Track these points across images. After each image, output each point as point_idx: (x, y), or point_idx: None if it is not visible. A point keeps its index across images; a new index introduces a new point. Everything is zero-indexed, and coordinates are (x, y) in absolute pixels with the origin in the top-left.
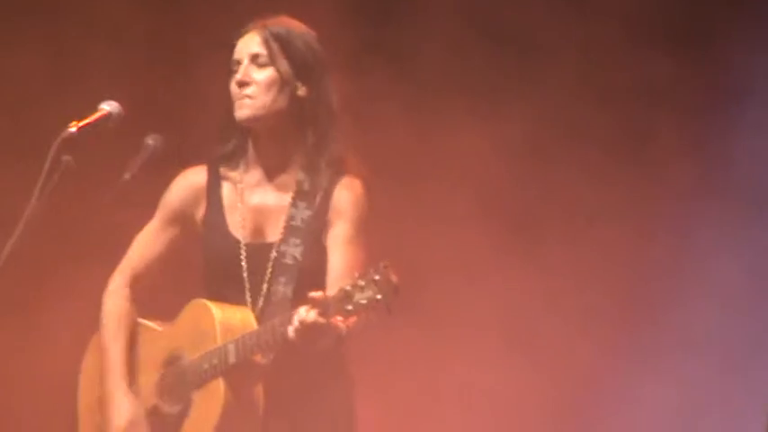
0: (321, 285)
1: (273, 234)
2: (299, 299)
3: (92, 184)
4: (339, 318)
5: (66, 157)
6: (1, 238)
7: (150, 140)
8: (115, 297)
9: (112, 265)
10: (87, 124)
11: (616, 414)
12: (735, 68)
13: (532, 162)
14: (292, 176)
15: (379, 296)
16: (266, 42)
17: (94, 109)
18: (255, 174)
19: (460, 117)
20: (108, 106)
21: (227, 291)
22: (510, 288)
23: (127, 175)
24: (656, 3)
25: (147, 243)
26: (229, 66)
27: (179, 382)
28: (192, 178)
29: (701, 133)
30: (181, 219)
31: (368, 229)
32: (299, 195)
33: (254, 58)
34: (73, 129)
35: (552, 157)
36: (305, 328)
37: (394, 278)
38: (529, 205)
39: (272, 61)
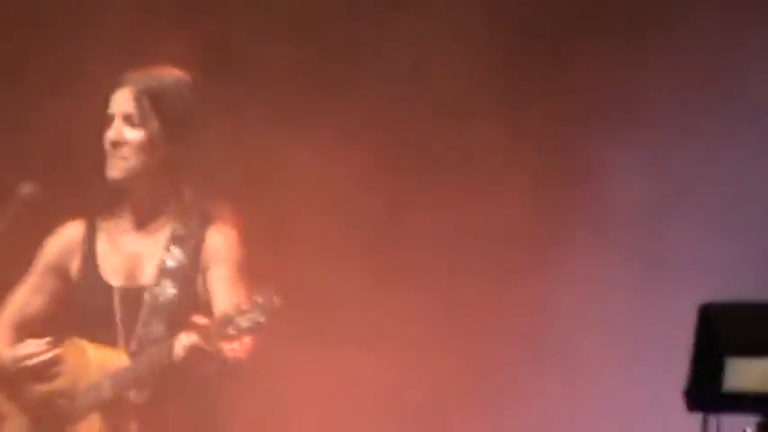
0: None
1: (146, 278)
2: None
3: None
4: (225, 343)
5: None
6: None
7: (25, 188)
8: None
9: None
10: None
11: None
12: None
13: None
14: (165, 224)
15: (261, 318)
16: (138, 100)
17: None
18: (129, 222)
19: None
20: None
21: (100, 335)
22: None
23: (11, 210)
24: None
25: (25, 297)
26: (105, 113)
27: (56, 416)
28: (69, 232)
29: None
30: (59, 271)
31: (245, 270)
32: (173, 241)
33: (127, 118)
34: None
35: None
36: (186, 352)
37: (277, 300)
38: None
39: (143, 122)
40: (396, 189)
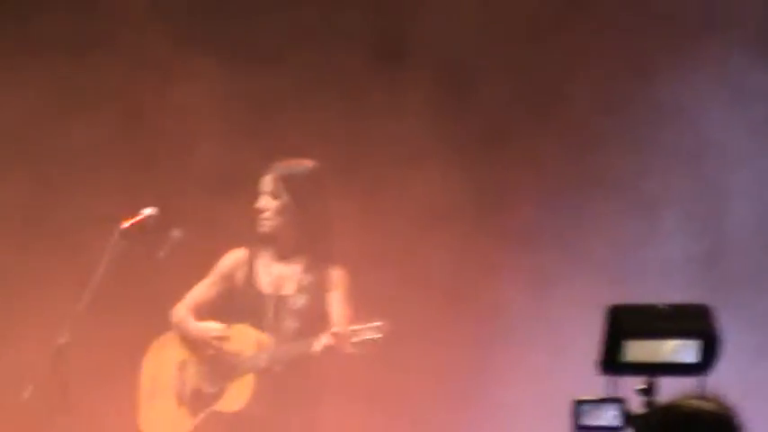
0: (315, 326)
1: (286, 291)
2: (301, 333)
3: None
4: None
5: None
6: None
7: (175, 232)
8: (182, 316)
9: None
10: (134, 223)
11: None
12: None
13: None
14: (301, 257)
15: (377, 335)
16: (275, 181)
17: None
18: (275, 255)
19: None
20: (149, 210)
21: (255, 324)
22: None
23: (161, 254)
24: None
25: (202, 291)
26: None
27: (219, 373)
28: (238, 254)
29: None
30: (228, 277)
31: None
32: (308, 269)
33: (269, 193)
34: (126, 224)
35: None
36: (325, 348)
37: (388, 327)
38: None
39: (278, 196)
40: None
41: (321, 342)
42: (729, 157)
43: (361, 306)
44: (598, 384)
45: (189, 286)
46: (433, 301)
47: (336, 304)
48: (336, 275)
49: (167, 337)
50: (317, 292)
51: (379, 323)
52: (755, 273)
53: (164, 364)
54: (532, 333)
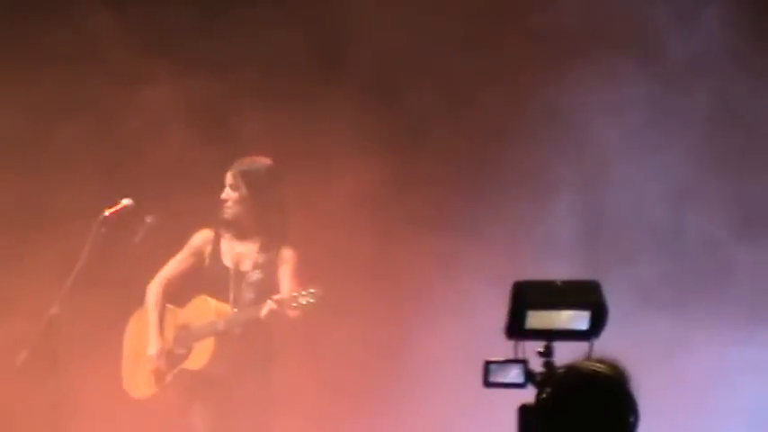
0: (269, 296)
1: (245, 267)
2: (257, 302)
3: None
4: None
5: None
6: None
7: (148, 219)
8: (155, 290)
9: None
10: (113, 212)
11: None
12: None
13: None
14: (255, 240)
15: (312, 300)
16: (234, 176)
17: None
18: (235, 236)
19: None
20: (126, 201)
21: (218, 295)
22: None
23: (136, 239)
24: None
25: (175, 266)
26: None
27: (186, 337)
28: (206, 233)
29: None
30: (197, 254)
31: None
32: (261, 249)
33: (230, 185)
34: (106, 213)
35: None
36: (269, 312)
37: (321, 293)
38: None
39: (237, 188)
40: None
41: (267, 307)
42: (611, 153)
43: (305, 280)
44: (505, 348)
45: (161, 265)
46: (361, 275)
47: (284, 278)
48: (286, 254)
49: (143, 309)
50: (270, 267)
51: (313, 290)
52: (630, 251)
53: (141, 333)
54: (446, 305)
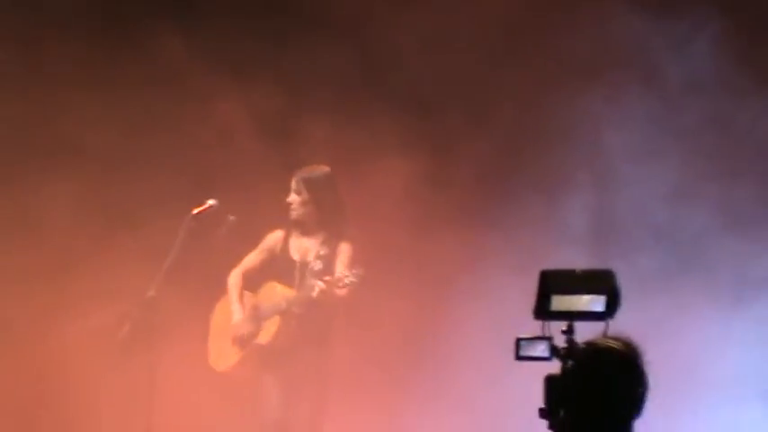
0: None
1: (310, 258)
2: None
3: None
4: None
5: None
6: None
7: (231, 217)
8: (236, 279)
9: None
10: (201, 210)
11: None
12: None
13: None
14: (320, 234)
15: (355, 279)
16: (298, 182)
17: None
18: (301, 233)
19: None
20: (211, 201)
21: (285, 281)
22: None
23: (221, 233)
24: None
25: (251, 260)
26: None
27: (257, 316)
28: (278, 233)
29: None
30: (270, 249)
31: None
32: (324, 243)
33: (294, 190)
34: (195, 212)
35: None
36: (320, 291)
37: (362, 273)
38: None
39: (300, 192)
40: None
41: (318, 287)
42: (619, 159)
43: (356, 268)
44: (533, 327)
45: (241, 256)
46: (403, 264)
47: (340, 266)
48: (343, 247)
49: (227, 296)
50: (329, 258)
51: (355, 271)
52: (635, 244)
53: (225, 316)
54: (475, 289)
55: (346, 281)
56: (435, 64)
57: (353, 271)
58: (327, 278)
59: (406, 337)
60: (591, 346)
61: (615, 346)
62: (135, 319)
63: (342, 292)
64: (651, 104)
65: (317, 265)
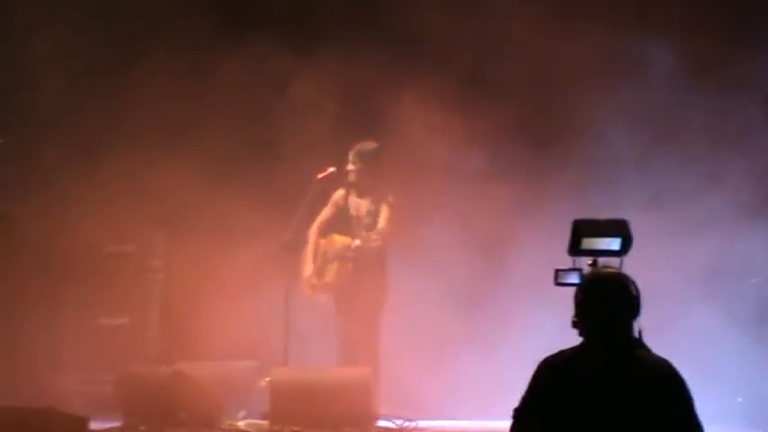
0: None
1: (362, 213)
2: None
3: None
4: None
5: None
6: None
7: (331, 168)
8: (313, 234)
9: None
10: (324, 175)
11: None
12: None
13: None
14: (369, 196)
15: (385, 233)
16: (353, 154)
17: None
18: (358, 193)
19: None
20: (332, 168)
21: (344, 232)
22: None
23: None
24: None
25: (324, 213)
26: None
27: (325, 260)
28: (341, 191)
29: None
30: (336, 205)
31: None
32: (373, 202)
33: (351, 161)
34: (319, 176)
35: None
36: (356, 247)
37: (393, 229)
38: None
39: (355, 162)
40: None
41: (356, 242)
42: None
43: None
44: (569, 262)
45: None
46: (463, 215)
47: (382, 221)
48: (385, 206)
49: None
50: (375, 215)
51: (387, 226)
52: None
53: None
54: (526, 233)
55: (378, 234)
56: (473, 52)
57: (386, 225)
58: (364, 235)
59: (466, 273)
60: (593, 272)
61: (609, 269)
62: (274, 257)
63: (376, 243)
64: (643, 104)
65: (367, 219)
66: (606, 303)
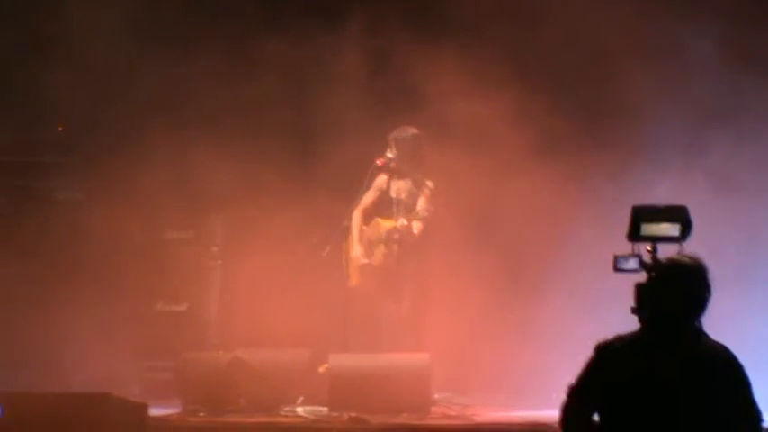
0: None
1: (403, 196)
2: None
3: None
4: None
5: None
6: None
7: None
8: (356, 218)
9: None
10: (381, 161)
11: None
12: None
13: None
14: (410, 179)
15: (426, 214)
16: (391, 141)
17: None
18: (398, 177)
19: None
20: (390, 154)
21: (386, 216)
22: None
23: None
24: None
25: (368, 198)
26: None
27: (369, 245)
28: (382, 177)
29: None
30: (379, 189)
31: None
32: (414, 185)
33: (388, 148)
34: (378, 163)
35: None
36: (396, 229)
37: (433, 210)
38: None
39: (393, 149)
40: None
41: (401, 221)
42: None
43: (437, 204)
44: (628, 247)
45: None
46: (505, 194)
47: (421, 203)
48: (425, 189)
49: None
50: (416, 197)
51: (428, 207)
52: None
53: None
54: (571, 214)
55: (420, 215)
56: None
57: (427, 207)
58: (402, 221)
59: (511, 254)
60: (669, 260)
61: (687, 261)
62: (332, 242)
63: (419, 224)
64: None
65: (409, 201)
66: (680, 299)
